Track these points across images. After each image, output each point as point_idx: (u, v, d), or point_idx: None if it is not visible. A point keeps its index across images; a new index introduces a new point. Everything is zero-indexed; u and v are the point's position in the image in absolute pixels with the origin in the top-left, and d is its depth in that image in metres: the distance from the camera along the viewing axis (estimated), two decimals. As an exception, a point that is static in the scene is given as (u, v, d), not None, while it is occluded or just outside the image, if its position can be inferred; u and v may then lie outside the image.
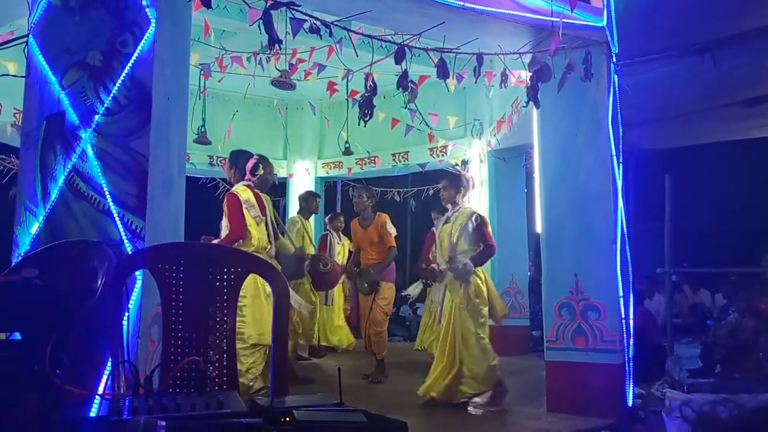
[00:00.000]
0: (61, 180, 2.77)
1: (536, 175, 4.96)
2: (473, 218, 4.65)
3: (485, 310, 4.53)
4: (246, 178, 4.45)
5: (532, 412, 4.39)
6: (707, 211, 10.10)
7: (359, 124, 4.42)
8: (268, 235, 4.39)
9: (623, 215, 4.43)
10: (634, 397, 4.29)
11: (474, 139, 7.82)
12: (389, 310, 5.73)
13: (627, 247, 4.41)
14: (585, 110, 4.51)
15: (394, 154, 8.38)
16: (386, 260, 5.63)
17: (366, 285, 5.60)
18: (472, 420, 4.25)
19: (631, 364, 4.30)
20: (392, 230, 5.70)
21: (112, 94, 2.83)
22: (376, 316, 5.57)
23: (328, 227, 7.32)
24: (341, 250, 7.06)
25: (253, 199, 4.30)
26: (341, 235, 7.23)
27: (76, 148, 2.79)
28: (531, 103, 4.33)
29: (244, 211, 4.19)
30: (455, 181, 4.89)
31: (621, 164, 4.47)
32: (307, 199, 6.61)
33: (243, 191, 4.30)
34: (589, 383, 4.20)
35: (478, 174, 7.80)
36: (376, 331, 5.58)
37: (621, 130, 4.55)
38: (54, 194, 2.76)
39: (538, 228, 4.92)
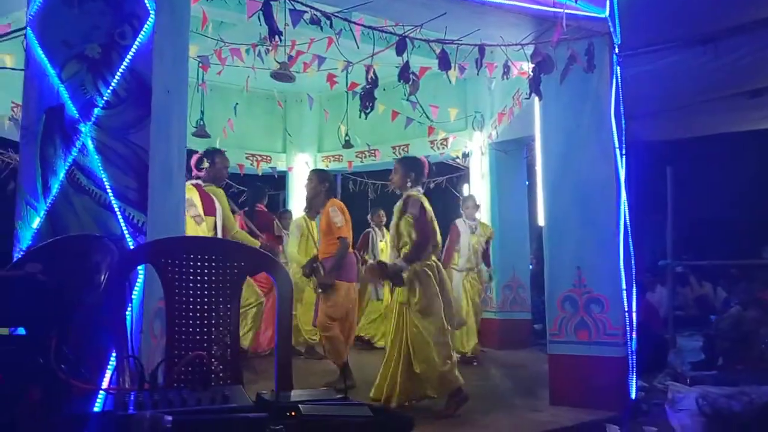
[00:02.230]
0: (61, 174, 2.75)
1: (538, 168, 4.93)
2: (403, 203, 4.18)
3: (435, 309, 4.07)
4: (193, 175, 4.49)
5: (535, 405, 4.39)
6: (709, 203, 10.08)
7: (360, 117, 4.39)
8: (216, 234, 4.45)
9: (626, 207, 4.41)
10: (637, 390, 4.29)
11: (475, 132, 7.79)
12: (336, 314, 4.77)
13: (630, 240, 4.39)
14: (587, 102, 4.48)
15: (394, 147, 8.35)
16: (336, 254, 4.78)
17: (320, 283, 4.89)
18: (475, 413, 4.24)
19: (634, 356, 4.29)
20: (337, 219, 4.82)
21: (111, 87, 2.80)
22: (320, 319, 4.86)
23: (370, 224, 7.29)
24: (385, 247, 6.99)
25: (195, 198, 4.36)
26: (384, 231, 7.17)
27: (76, 142, 2.77)
28: (533, 94, 4.31)
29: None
30: (405, 164, 4.39)
31: (624, 156, 4.44)
32: (313, 198, 6.54)
33: (186, 191, 4.29)
34: (592, 376, 4.19)
35: (480, 167, 7.78)
36: (324, 336, 4.84)
37: (624, 122, 4.52)
38: (55, 188, 2.74)
39: (540, 221, 4.90)
